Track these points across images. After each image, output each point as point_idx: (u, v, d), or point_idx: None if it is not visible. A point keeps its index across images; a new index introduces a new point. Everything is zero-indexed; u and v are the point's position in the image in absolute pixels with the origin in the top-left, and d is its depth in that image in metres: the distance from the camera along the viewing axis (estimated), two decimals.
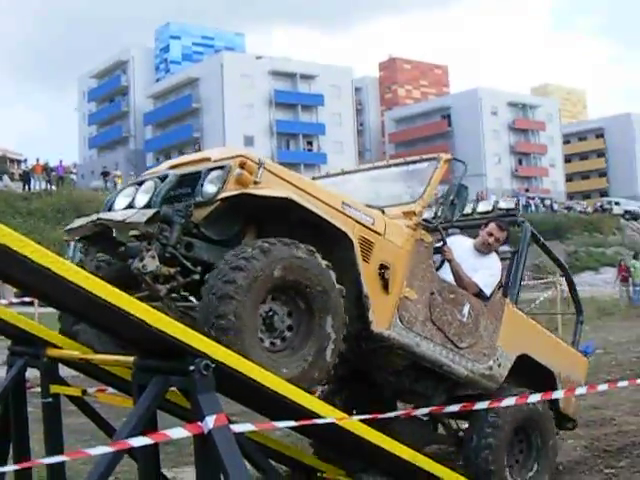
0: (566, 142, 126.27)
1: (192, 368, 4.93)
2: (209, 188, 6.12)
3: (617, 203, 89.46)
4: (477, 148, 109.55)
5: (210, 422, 4.80)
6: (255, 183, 6.12)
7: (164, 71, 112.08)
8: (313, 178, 8.96)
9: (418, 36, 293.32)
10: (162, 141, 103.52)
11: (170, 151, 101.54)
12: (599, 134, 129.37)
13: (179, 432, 4.80)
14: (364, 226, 6.89)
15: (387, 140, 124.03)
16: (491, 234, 8.43)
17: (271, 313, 6.02)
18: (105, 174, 70.57)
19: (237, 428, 4.99)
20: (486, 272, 8.20)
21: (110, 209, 6.66)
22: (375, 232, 6.98)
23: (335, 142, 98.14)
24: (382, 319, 6.93)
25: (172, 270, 5.98)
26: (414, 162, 8.29)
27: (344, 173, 9.03)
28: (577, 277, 52.24)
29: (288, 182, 6.45)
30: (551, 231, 58.84)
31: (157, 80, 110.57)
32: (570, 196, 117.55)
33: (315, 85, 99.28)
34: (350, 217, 6.78)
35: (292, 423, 5.34)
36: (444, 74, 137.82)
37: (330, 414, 5.60)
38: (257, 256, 5.74)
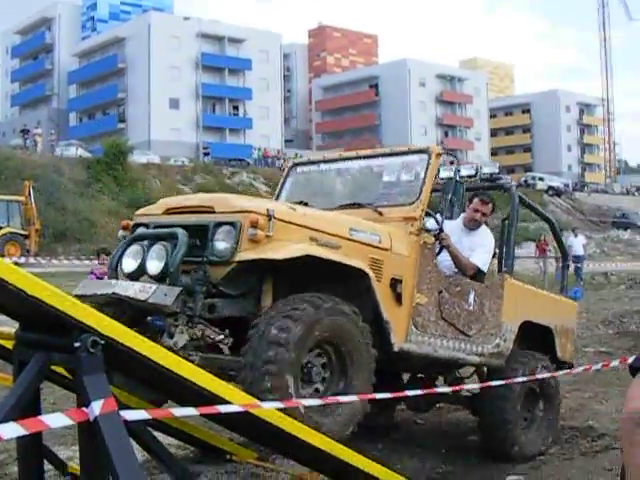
0: (492, 116, 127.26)
1: (77, 345, 4.26)
2: (221, 246, 6.18)
3: (541, 179, 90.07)
4: (404, 119, 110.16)
5: (96, 408, 4.12)
6: (267, 236, 6.15)
7: (90, 29, 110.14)
8: (294, 164, 9.15)
9: (349, 4, 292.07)
10: (86, 101, 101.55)
11: (94, 111, 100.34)
12: (525, 109, 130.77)
13: (59, 419, 4.10)
14: (372, 246, 6.98)
15: (314, 108, 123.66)
16: (477, 210, 8.54)
17: (310, 365, 6.16)
18: (24, 132, 68.67)
19: (128, 415, 4.32)
20: (481, 250, 8.34)
21: (116, 268, 6.58)
22: (383, 249, 7.07)
23: (261, 107, 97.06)
24: (399, 332, 7.10)
25: (199, 333, 6.07)
26: (403, 153, 8.28)
27: (326, 161, 9.00)
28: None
29: (299, 225, 6.49)
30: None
31: (83, 38, 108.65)
32: (501, 169, 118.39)
33: (243, 49, 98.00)
34: (359, 242, 6.87)
35: (192, 411, 4.67)
36: (373, 44, 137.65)
37: (238, 400, 4.95)
38: (309, 309, 5.94)
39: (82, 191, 53.62)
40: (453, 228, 8.23)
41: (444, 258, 8.02)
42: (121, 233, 7.22)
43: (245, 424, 5.60)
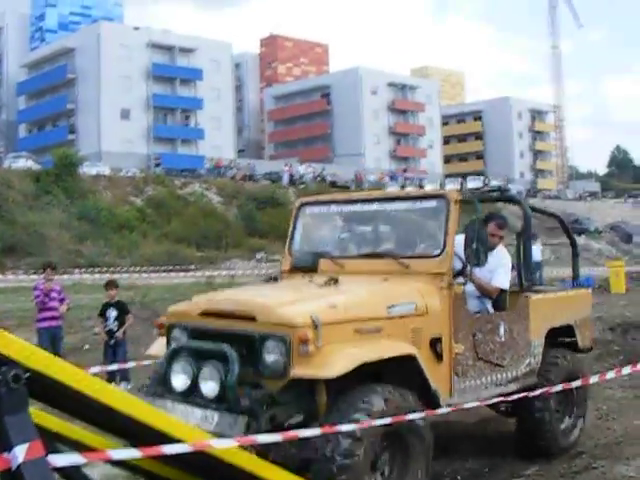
0: (445, 124, 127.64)
1: None
2: (272, 360, 6.24)
3: None
4: (356, 128, 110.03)
5: (20, 453, 3.50)
6: (317, 347, 6.17)
7: (39, 40, 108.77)
8: (302, 204, 9.06)
9: (300, 14, 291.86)
10: (36, 112, 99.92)
11: (44, 123, 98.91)
12: (477, 117, 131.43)
13: None
14: (411, 316, 7.05)
15: (266, 117, 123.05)
16: (493, 235, 8.62)
17: (376, 455, 6.27)
18: None
19: (58, 461, 3.69)
20: (501, 271, 8.48)
21: (165, 383, 6.60)
22: (420, 315, 7.13)
23: (213, 118, 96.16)
24: (443, 388, 7.17)
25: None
26: (419, 198, 8.17)
27: (336, 202, 9.00)
28: None
29: (342, 322, 6.48)
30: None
31: (32, 49, 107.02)
32: (448, 177, 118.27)
33: (194, 59, 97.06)
34: (398, 317, 6.93)
35: (134, 453, 4.08)
36: (325, 53, 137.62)
37: (187, 436, 4.37)
38: (378, 404, 6.16)
39: (31, 204, 52.86)
40: (460, 250, 7.89)
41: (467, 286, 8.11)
42: (156, 332, 7.49)
43: (196, 462, 5.04)
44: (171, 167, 78.89)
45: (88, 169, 64.27)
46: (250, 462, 4.93)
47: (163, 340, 7.33)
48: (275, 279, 8.48)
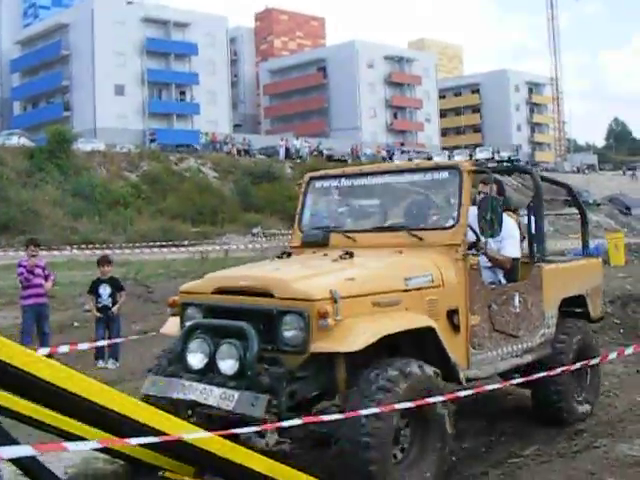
0: (442, 97, 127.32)
1: None
2: (291, 335, 6.18)
3: (492, 158, 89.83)
4: (352, 101, 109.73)
5: None
6: (336, 320, 6.08)
7: (32, 16, 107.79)
8: (311, 178, 8.96)
9: None
10: (30, 89, 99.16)
11: (38, 100, 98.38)
12: (475, 89, 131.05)
13: None
14: (427, 288, 7.02)
15: (262, 92, 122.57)
16: (479, 192, 8.49)
17: (398, 431, 6.22)
18: None
19: (5, 453, 3.35)
20: (510, 241, 8.42)
21: (180, 361, 6.52)
22: (436, 287, 7.11)
23: (208, 92, 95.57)
24: (461, 360, 7.17)
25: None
26: (430, 169, 8.18)
27: (346, 176, 8.79)
28: None
29: (360, 296, 6.43)
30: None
31: (25, 26, 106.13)
32: (450, 158, 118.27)
33: (189, 34, 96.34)
34: (415, 289, 6.91)
35: (93, 445, 3.77)
36: (321, 26, 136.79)
37: (160, 424, 4.07)
38: (390, 389, 6.01)
39: (25, 181, 52.54)
40: (472, 221, 7.81)
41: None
42: (169, 311, 7.38)
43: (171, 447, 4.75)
44: (166, 143, 78.17)
45: (82, 145, 63.72)
46: (232, 451, 4.64)
47: (176, 319, 7.21)
48: (289, 255, 8.29)
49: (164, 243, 40.32)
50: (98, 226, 49.07)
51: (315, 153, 79.54)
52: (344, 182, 8.77)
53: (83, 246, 37.16)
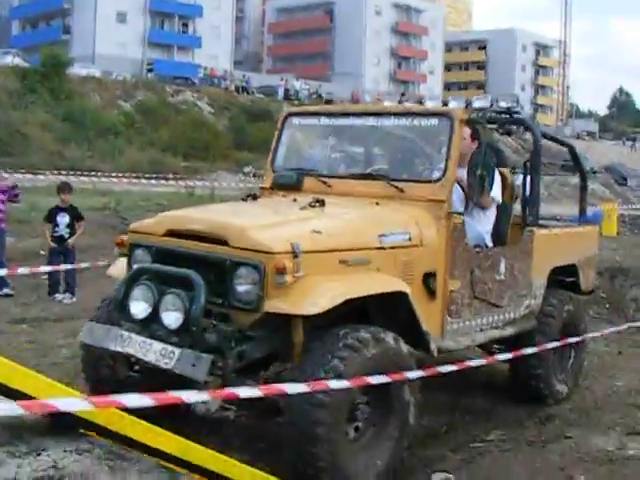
0: (448, 50, 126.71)
1: None
2: (244, 290, 5.61)
3: None
4: (357, 47, 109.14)
5: None
6: (296, 277, 5.51)
7: None
8: (289, 114, 8.28)
9: None
10: (30, 9, 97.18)
11: (37, 20, 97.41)
12: (481, 46, 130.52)
13: None
14: (403, 247, 6.44)
15: (266, 30, 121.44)
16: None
17: (356, 403, 5.69)
18: None
19: None
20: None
21: (122, 309, 5.92)
22: (414, 246, 6.53)
23: (212, 26, 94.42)
24: (434, 328, 6.65)
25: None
26: (420, 115, 7.43)
27: (327, 114, 8.15)
28: None
29: (326, 251, 5.85)
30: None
31: None
32: (445, 104, 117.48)
33: None
34: (389, 248, 6.31)
35: None
36: None
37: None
38: (357, 349, 5.51)
39: (15, 102, 51.47)
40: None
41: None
42: (116, 251, 6.79)
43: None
44: (165, 74, 77.08)
45: (78, 70, 62.63)
46: (130, 427, 4.03)
47: (124, 261, 6.57)
48: (255, 197, 7.58)
49: (152, 175, 39.68)
50: (86, 153, 48.27)
51: (314, 96, 78.88)
52: (324, 121, 8.08)
53: (69, 172, 36.44)
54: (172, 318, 5.60)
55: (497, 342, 8.00)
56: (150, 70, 79.26)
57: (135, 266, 6.23)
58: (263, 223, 6.08)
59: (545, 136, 8.89)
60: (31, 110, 51.03)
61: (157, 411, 4.94)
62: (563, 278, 8.84)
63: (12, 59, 63.02)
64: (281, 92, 76.34)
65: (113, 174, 38.10)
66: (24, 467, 5.39)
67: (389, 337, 5.77)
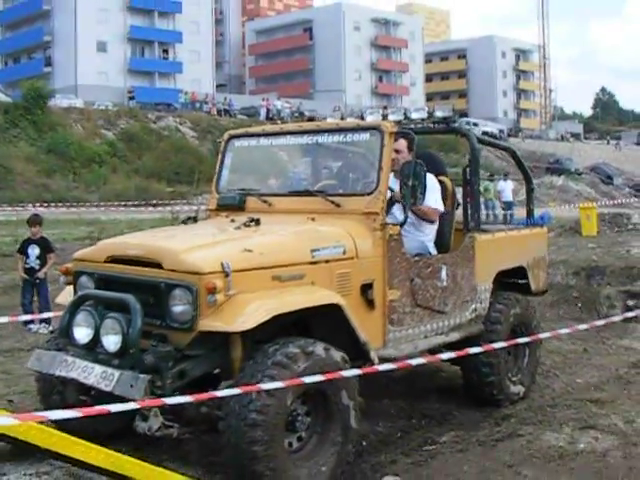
0: (428, 61, 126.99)
1: None
2: (179, 311, 5.74)
3: (475, 124, 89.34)
4: (338, 63, 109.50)
5: None
6: (227, 295, 5.68)
7: None
8: (230, 136, 8.42)
9: None
10: (11, 44, 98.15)
11: (19, 55, 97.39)
12: (461, 55, 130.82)
13: None
14: (338, 260, 6.56)
15: (247, 52, 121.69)
16: (398, 151, 7.63)
17: (295, 413, 5.88)
18: None
19: None
20: (430, 194, 7.46)
21: (67, 335, 6.07)
22: (349, 259, 6.65)
23: (192, 51, 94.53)
24: (376, 337, 6.76)
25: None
26: (352, 130, 7.56)
27: (266, 134, 8.24)
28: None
29: (258, 269, 6.00)
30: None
31: None
32: (385, 117, 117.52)
33: None
34: (323, 261, 6.45)
35: None
36: None
37: None
38: (287, 366, 5.63)
39: None
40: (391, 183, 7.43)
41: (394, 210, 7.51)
42: (62, 280, 6.89)
43: None
44: (146, 101, 77.39)
45: (59, 101, 63.03)
46: (60, 443, 4.20)
47: (71, 288, 6.71)
48: (195, 219, 7.77)
49: (137, 203, 39.84)
50: (71, 184, 48.43)
51: (296, 114, 79.07)
52: (263, 141, 8.24)
53: (55, 204, 36.66)
54: (111, 341, 5.75)
55: (450, 347, 8.03)
56: (132, 98, 79.39)
57: (79, 293, 6.39)
58: (195, 244, 6.24)
59: (483, 142, 9.11)
60: (15, 144, 51.28)
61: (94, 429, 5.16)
62: (515, 280, 9.03)
63: None
64: (263, 112, 76.59)
65: (99, 203, 38.32)
66: None
67: (319, 348, 5.90)
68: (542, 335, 8.69)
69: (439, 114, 9.08)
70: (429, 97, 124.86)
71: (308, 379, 5.65)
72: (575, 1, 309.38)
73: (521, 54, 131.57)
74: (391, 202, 7.37)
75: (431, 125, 8.86)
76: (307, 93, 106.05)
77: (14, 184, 45.25)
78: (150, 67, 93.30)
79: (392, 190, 7.27)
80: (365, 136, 7.36)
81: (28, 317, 11.96)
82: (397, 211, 7.37)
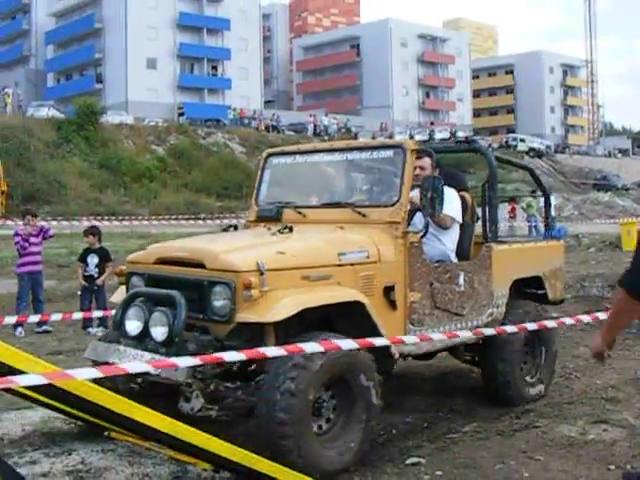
0: (475, 77, 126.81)
1: None
2: (219, 305, 6.42)
3: (522, 140, 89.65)
4: (385, 79, 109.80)
5: None
6: (262, 292, 6.30)
7: None
8: (268, 154, 9.16)
9: None
10: (63, 61, 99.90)
11: (71, 72, 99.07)
12: (509, 70, 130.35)
13: None
14: (362, 264, 7.14)
15: (295, 68, 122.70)
16: (422, 168, 8.26)
17: (321, 400, 6.51)
18: None
19: None
20: (446, 204, 7.86)
21: (119, 328, 6.80)
22: (372, 263, 7.23)
23: (240, 68, 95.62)
24: (397, 335, 7.18)
25: (212, 388, 6.34)
26: (377, 147, 8.32)
27: (300, 152, 9.04)
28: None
29: (290, 269, 6.62)
30: (453, 165, 58.06)
31: None
32: (477, 131, 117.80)
33: (222, 9, 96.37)
34: (349, 264, 7.04)
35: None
36: (355, 3, 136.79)
37: (38, 369, 4.39)
38: (315, 356, 6.20)
39: (52, 152, 53.00)
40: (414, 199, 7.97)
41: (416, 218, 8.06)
42: (116, 280, 7.73)
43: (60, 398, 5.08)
44: (196, 117, 78.55)
45: (111, 118, 64.31)
46: (127, 407, 4.93)
47: (124, 288, 7.48)
48: (235, 228, 8.65)
49: (187, 216, 40.66)
50: (123, 198, 49.56)
51: (343, 130, 79.63)
52: (298, 159, 8.98)
53: (108, 217, 37.61)
54: (159, 332, 6.40)
55: (469, 349, 8.83)
56: (181, 114, 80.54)
57: (131, 291, 7.11)
58: (233, 247, 6.93)
59: (501, 160, 9.71)
60: (68, 159, 52.55)
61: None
62: (533, 291, 9.50)
63: (47, 111, 64.42)
64: (311, 128, 77.24)
65: (150, 217, 39.21)
66: (57, 464, 6.46)
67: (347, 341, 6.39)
68: (566, 320, 8.99)
69: (460, 134, 9.74)
70: (476, 113, 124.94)
71: (344, 343, 6.23)
72: (623, 15, 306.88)
73: (569, 69, 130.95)
74: (412, 212, 7.93)
75: (453, 144, 9.43)
76: (354, 109, 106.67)
77: (67, 198, 46.45)
78: (199, 83, 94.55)
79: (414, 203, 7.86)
80: (389, 153, 8.04)
81: (82, 315, 12.72)
82: (418, 220, 7.95)
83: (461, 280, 8.14)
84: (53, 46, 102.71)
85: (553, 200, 35.60)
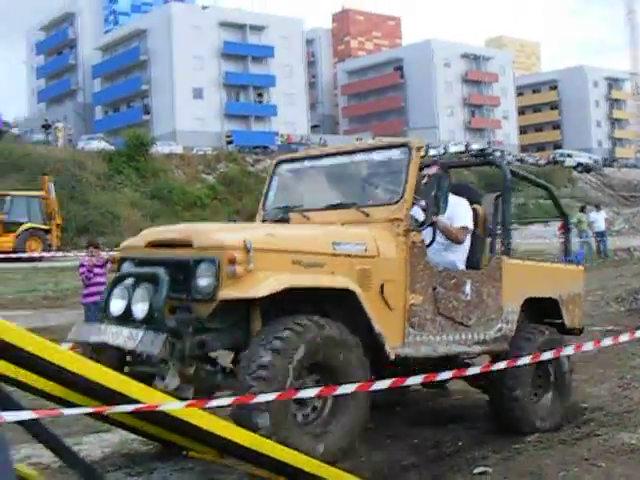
0: (519, 94, 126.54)
1: None
2: (204, 284, 6.22)
3: (569, 155, 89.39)
4: (430, 100, 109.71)
5: None
6: (248, 270, 6.16)
7: (112, 23, 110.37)
8: (279, 161, 9.08)
9: None
10: (111, 94, 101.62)
11: (119, 104, 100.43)
12: (553, 86, 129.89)
13: None
14: (359, 257, 6.97)
15: (339, 92, 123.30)
16: (422, 177, 8.15)
17: (304, 386, 6.23)
18: (46, 127, 69.16)
19: (7, 416, 3.98)
20: (459, 214, 8.16)
21: (105, 309, 6.63)
22: (370, 257, 7.05)
23: (286, 94, 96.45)
24: (394, 337, 7.07)
25: (192, 370, 6.26)
26: (383, 148, 8.14)
27: (309, 157, 8.96)
28: (526, 229, 51.71)
29: (279, 251, 6.47)
30: (501, 183, 58.00)
31: (105, 32, 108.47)
32: (524, 148, 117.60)
33: (265, 36, 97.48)
34: (343, 255, 6.87)
35: (84, 410, 4.40)
36: (397, 25, 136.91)
37: (141, 395, 4.70)
38: (291, 337, 6.04)
39: (104, 184, 53.74)
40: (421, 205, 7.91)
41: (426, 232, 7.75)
42: (109, 267, 7.60)
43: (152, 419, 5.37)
44: (244, 144, 79.34)
45: (160, 148, 64.95)
46: (204, 420, 5.22)
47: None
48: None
49: None
50: None
51: None
52: (306, 164, 8.91)
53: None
54: (140, 309, 6.28)
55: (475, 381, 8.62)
56: (230, 142, 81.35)
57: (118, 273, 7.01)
58: (224, 228, 6.99)
59: (516, 175, 9.51)
60: (119, 190, 53.27)
61: None
62: (551, 320, 9.14)
63: (97, 144, 65.45)
64: None
65: None
66: None
67: (332, 326, 6.36)
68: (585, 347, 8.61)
69: (475, 146, 9.81)
70: (523, 130, 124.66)
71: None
72: None
73: (613, 82, 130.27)
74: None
75: (468, 158, 9.45)
76: (401, 131, 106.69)
77: (121, 229, 46.93)
78: (246, 111, 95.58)
79: (417, 220, 7.60)
80: (396, 152, 7.85)
81: None
82: (416, 212, 7.77)
83: (468, 289, 7.92)
84: (100, 79, 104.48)
85: (604, 214, 35.60)
